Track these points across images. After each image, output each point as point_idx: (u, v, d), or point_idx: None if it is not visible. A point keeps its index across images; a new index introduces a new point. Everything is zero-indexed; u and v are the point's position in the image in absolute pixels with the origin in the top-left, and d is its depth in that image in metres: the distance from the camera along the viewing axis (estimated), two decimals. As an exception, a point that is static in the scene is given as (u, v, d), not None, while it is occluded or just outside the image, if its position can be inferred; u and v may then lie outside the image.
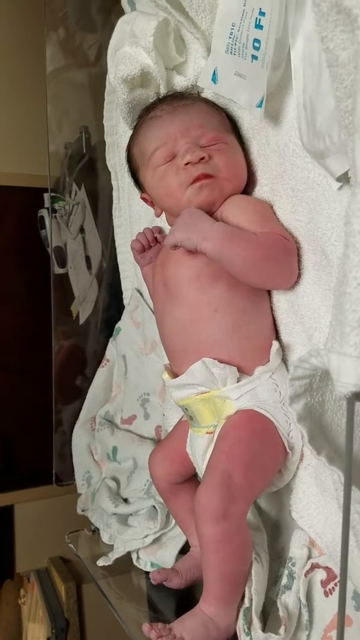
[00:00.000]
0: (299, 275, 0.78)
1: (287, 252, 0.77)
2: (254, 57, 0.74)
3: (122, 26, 0.94)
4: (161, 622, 0.73)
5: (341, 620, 0.53)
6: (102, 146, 1.26)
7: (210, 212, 0.81)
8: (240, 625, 0.72)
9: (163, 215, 0.94)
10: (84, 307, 1.55)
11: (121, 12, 1.03)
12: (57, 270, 1.57)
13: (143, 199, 0.96)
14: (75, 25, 1.40)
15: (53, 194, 1.58)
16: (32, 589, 2.22)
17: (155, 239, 1.04)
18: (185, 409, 0.84)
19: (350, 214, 0.43)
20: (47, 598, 2.09)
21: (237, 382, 0.79)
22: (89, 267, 1.54)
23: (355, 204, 0.43)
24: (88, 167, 1.47)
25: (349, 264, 0.44)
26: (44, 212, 2.05)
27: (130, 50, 0.91)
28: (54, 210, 1.60)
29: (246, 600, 0.73)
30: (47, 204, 2.02)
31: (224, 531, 0.70)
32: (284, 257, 0.77)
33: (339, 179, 0.67)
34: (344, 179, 0.66)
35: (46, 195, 2.01)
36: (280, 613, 0.72)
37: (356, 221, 0.43)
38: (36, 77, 1.50)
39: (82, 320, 1.53)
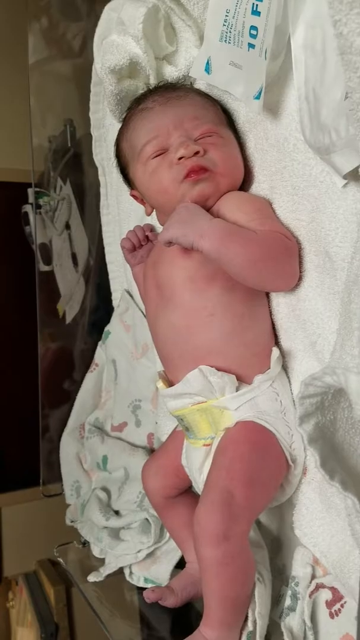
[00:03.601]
0: (300, 278, 0.75)
1: (289, 252, 0.74)
2: (251, 46, 0.70)
3: (109, 13, 0.91)
4: (155, 640, 0.70)
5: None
6: (88, 140, 1.23)
7: (205, 208, 0.77)
8: (245, 650, 0.68)
9: (154, 213, 0.90)
10: (70, 305, 1.54)
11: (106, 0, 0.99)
12: (42, 267, 1.55)
13: (133, 196, 0.92)
14: (59, 14, 1.36)
15: (37, 189, 1.57)
16: (20, 593, 2.21)
17: (147, 237, 1.01)
18: (181, 419, 0.81)
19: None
20: (36, 602, 2.07)
21: (236, 391, 0.75)
22: (76, 264, 1.53)
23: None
24: (73, 161, 1.45)
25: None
26: (28, 208, 2.03)
27: (118, 39, 0.87)
28: (39, 206, 1.60)
29: (249, 624, 0.69)
30: (31, 199, 1.99)
31: (226, 553, 0.66)
32: (285, 257, 0.73)
33: (345, 177, 0.63)
34: (351, 176, 0.62)
35: (30, 191, 1.98)
36: (285, 638, 0.69)
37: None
38: (18, 69, 1.47)
39: (68, 320, 1.52)
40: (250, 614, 0.70)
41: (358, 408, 0.38)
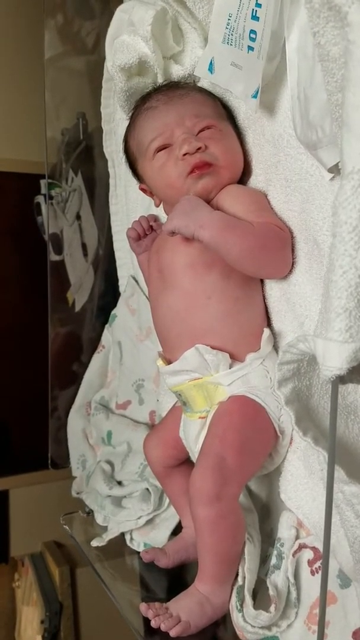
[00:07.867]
0: (292, 264, 0.80)
1: (282, 242, 0.78)
2: (250, 48, 0.75)
3: (120, 15, 0.94)
4: (154, 601, 0.76)
5: (323, 598, 0.55)
6: (99, 133, 1.26)
7: (207, 200, 0.82)
8: (234, 602, 0.74)
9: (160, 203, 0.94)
10: (80, 294, 1.55)
11: (119, 0, 1.03)
12: (54, 257, 1.57)
13: (142, 189, 0.96)
14: (74, 12, 1.39)
15: (50, 181, 1.57)
16: (26, 573, 2.24)
17: (151, 227, 1.05)
18: (179, 394, 0.86)
19: (338, 205, 0.45)
20: (41, 582, 2.10)
21: (229, 368, 0.80)
22: (85, 254, 1.54)
23: (342, 195, 0.45)
24: (85, 153, 1.46)
25: (336, 253, 0.45)
26: (40, 199, 2.05)
27: (128, 39, 0.91)
28: (51, 197, 1.59)
29: (239, 579, 0.75)
30: (43, 190, 2.02)
31: (218, 513, 0.72)
32: (279, 247, 0.78)
33: (330, 170, 0.68)
34: (336, 170, 0.68)
35: (43, 182, 2.01)
36: (270, 592, 0.75)
37: (343, 212, 0.44)
38: (34, 63, 1.50)
39: (78, 308, 1.54)
40: (240, 571, 0.76)
41: (324, 368, 0.44)
